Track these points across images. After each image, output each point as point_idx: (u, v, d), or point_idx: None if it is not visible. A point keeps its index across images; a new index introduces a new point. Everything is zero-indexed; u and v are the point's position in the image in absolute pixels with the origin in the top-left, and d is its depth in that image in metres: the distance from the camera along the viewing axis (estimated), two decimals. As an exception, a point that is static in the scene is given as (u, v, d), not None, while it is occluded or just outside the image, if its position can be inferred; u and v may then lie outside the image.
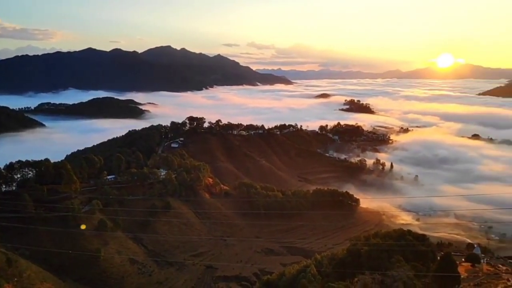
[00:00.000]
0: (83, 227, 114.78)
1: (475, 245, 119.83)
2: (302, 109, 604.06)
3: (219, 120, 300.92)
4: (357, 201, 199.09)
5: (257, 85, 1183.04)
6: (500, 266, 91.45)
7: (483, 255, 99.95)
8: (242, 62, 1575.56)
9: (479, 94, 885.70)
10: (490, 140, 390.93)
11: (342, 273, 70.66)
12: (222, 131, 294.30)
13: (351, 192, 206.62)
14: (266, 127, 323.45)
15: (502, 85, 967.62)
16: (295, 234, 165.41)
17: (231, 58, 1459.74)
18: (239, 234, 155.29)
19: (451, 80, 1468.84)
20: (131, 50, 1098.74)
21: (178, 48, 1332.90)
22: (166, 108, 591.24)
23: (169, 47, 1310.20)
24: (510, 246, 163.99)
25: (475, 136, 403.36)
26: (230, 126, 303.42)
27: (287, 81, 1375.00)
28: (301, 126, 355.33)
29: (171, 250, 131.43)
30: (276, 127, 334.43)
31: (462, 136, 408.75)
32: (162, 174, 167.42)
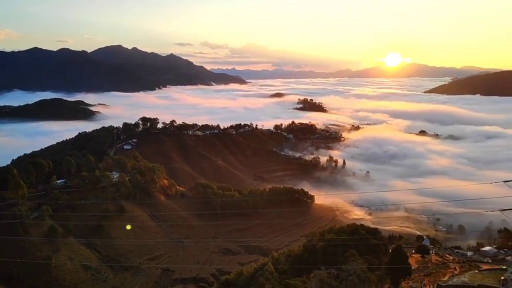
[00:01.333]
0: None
1: (424, 237, 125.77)
2: (257, 108, 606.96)
3: (174, 121, 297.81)
4: (312, 198, 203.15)
5: (212, 84, 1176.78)
6: (448, 256, 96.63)
7: (432, 246, 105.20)
8: (195, 61, 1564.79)
9: (425, 92, 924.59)
10: (436, 136, 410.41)
11: (298, 269, 72.23)
12: (177, 131, 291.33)
13: (306, 189, 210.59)
14: (222, 127, 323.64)
15: (446, 83, 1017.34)
16: (252, 233, 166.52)
17: (184, 58, 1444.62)
18: (196, 235, 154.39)
19: (399, 79, 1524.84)
20: (80, 49, 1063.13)
21: (129, 48, 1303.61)
22: (117, 108, 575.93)
23: (119, 46, 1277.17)
24: (456, 236, 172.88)
25: (422, 132, 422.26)
26: (184, 126, 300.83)
27: (241, 81, 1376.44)
28: (256, 125, 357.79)
29: (126, 254, 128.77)
30: (231, 126, 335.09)
31: (410, 133, 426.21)
32: (115, 177, 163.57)
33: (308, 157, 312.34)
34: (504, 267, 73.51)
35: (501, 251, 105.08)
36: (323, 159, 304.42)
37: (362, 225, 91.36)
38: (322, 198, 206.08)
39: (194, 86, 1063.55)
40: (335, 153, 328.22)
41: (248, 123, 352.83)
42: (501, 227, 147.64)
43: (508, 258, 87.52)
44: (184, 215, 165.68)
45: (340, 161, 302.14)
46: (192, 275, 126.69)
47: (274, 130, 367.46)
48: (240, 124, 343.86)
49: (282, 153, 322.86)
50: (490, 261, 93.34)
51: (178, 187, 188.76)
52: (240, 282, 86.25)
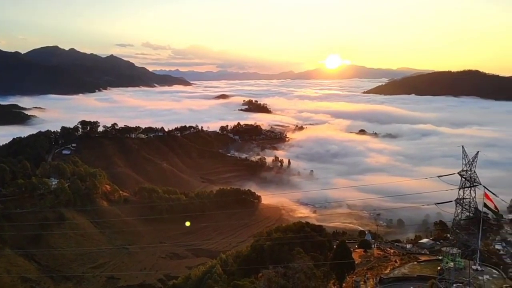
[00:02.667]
0: None
1: (366, 232, 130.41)
2: (202, 110, 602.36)
3: (115, 124, 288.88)
4: (258, 198, 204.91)
5: (155, 86, 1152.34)
6: (389, 249, 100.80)
7: (373, 240, 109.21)
8: (137, 62, 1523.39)
9: (364, 93, 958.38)
10: (375, 134, 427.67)
11: (247, 269, 72.57)
12: (119, 134, 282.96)
13: (253, 190, 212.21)
14: (166, 129, 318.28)
15: (383, 83, 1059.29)
16: (200, 236, 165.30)
17: (125, 59, 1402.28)
18: (141, 241, 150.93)
19: (339, 80, 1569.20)
20: (13, 50, 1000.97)
21: (67, 49, 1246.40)
22: (55, 112, 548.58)
23: (56, 47, 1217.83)
24: (396, 230, 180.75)
25: (362, 132, 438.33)
26: (127, 129, 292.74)
27: (185, 82, 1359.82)
28: (201, 127, 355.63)
29: (67, 263, 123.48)
30: (176, 128, 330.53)
31: (351, 132, 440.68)
32: (54, 183, 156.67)
33: (254, 157, 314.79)
34: (440, 257, 77.74)
35: (437, 242, 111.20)
36: (269, 159, 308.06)
37: (307, 223, 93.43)
38: (268, 198, 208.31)
39: (136, 88, 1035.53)
40: (281, 153, 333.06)
41: (193, 125, 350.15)
42: (436, 220, 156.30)
43: (444, 249, 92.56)
44: (129, 220, 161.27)
45: (285, 161, 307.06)
46: (138, 282, 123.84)
47: (220, 132, 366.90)
48: (185, 126, 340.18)
49: (229, 154, 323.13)
50: (428, 252, 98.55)
51: (121, 192, 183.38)
52: (188, 286, 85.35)
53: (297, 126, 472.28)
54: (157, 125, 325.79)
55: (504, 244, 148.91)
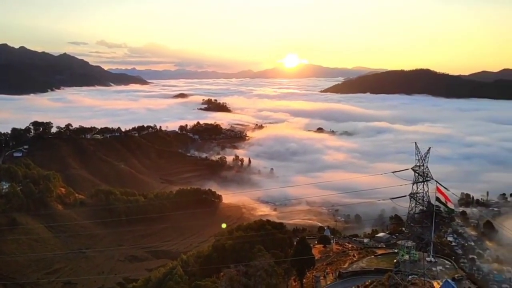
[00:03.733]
0: None
1: (325, 228, 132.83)
2: (160, 109, 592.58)
3: (69, 124, 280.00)
4: (219, 197, 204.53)
5: (111, 85, 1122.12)
6: (347, 244, 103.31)
7: (332, 236, 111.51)
8: (92, 61, 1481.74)
9: (321, 92, 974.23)
10: (332, 132, 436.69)
11: (208, 269, 72.24)
12: (74, 135, 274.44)
13: (213, 189, 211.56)
14: (123, 129, 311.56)
15: (339, 82, 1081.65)
16: (159, 237, 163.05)
17: (79, 57, 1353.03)
18: (99, 244, 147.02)
19: (297, 79, 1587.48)
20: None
21: (16, 47, 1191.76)
22: (4, 113, 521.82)
23: (5, 45, 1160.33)
24: (354, 225, 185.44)
25: (320, 130, 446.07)
26: (82, 130, 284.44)
27: (142, 81, 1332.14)
28: (160, 126, 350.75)
29: (21, 270, 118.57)
30: (134, 128, 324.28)
31: (309, 130, 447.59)
32: (5, 187, 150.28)
33: (215, 157, 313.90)
34: (396, 250, 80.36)
35: (393, 236, 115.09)
36: (229, 159, 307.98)
37: (268, 221, 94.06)
38: (229, 197, 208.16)
39: (91, 87, 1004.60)
40: (241, 152, 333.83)
41: (152, 124, 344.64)
42: (392, 214, 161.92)
43: (399, 242, 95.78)
44: (85, 224, 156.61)
45: (246, 160, 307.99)
46: (96, 286, 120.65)
47: (179, 131, 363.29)
48: (143, 126, 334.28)
49: (188, 154, 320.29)
50: (384, 246, 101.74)
51: (77, 195, 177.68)
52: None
53: (256, 125, 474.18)
54: (113, 125, 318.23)
55: (455, 236, 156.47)
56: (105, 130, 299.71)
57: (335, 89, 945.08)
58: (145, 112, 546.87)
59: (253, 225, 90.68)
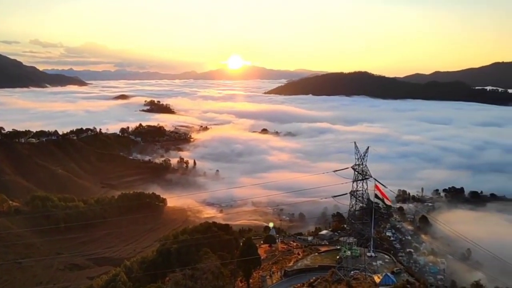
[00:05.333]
0: None
1: (271, 227, 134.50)
2: (100, 111, 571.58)
3: (1, 128, 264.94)
4: (164, 201, 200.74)
5: (46, 87, 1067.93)
6: (292, 242, 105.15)
7: (277, 235, 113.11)
8: (25, 61, 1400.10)
9: (265, 93, 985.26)
10: (276, 133, 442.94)
11: (153, 275, 70.78)
12: (6, 139, 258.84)
13: (157, 193, 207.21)
14: (61, 132, 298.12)
15: (282, 84, 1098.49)
16: (101, 244, 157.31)
17: (11, 57, 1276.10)
18: (36, 253, 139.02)
19: (241, 81, 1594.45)
20: None
21: None
22: None
23: None
24: (298, 224, 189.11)
25: (264, 131, 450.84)
26: (16, 133, 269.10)
27: (81, 82, 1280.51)
28: (100, 129, 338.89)
29: None
30: (72, 131, 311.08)
31: (254, 131, 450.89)
32: None
33: (158, 159, 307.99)
34: (338, 247, 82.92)
35: (335, 233, 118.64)
36: (174, 161, 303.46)
37: (214, 223, 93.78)
38: (174, 200, 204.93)
39: (25, 89, 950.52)
40: (186, 154, 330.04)
41: (91, 127, 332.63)
42: (334, 212, 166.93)
43: (341, 239, 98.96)
44: (21, 232, 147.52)
45: (191, 162, 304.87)
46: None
47: (120, 134, 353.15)
48: (82, 129, 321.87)
49: (131, 157, 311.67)
50: (327, 243, 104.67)
51: (11, 202, 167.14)
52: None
53: (201, 126, 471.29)
54: (50, 128, 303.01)
55: (393, 231, 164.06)
56: (40, 134, 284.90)
57: (278, 91, 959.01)
58: (84, 114, 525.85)
59: (199, 227, 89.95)
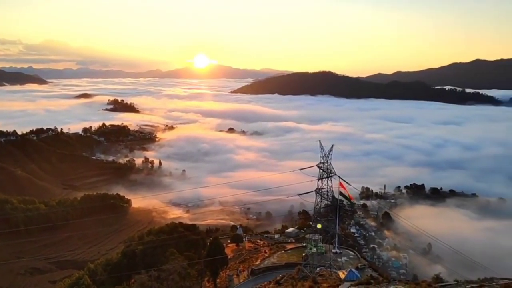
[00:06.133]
0: None
1: (238, 226, 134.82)
2: (61, 110, 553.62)
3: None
4: (128, 202, 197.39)
5: (4, 85, 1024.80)
6: (259, 241, 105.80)
7: (245, 234, 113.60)
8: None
9: (231, 92, 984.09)
10: (243, 132, 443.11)
11: (118, 277, 69.65)
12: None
13: (121, 194, 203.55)
14: (20, 133, 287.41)
15: (249, 83, 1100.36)
16: (64, 247, 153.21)
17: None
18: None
19: (207, 80, 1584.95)
20: None
21: None
22: None
23: None
24: (265, 222, 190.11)
25: (231, 130, 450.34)
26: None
27: (41, 81, 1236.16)
28: (61, 129, 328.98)
29: None
30: (32, 131, 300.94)
31: (220, 130, 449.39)
32: None
33: (123, 160, 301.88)
34: (304, 244, 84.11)
35: (301, 230, 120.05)
36: (139, 161, 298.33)
37: (180, 223, 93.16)
38: (139, 201, 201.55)
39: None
40: (151, 154, 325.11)
41: (52, 127, 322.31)
42: (300, 210, 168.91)
43: (307, 236, 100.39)
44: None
45: (156, 162, 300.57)
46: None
47: (83, 134, 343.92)
48: (42, 129, 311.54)
49: (94, 157, 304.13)
50: (294, 240, 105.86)
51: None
52: (52, 303, 78.60)
53: (167, 125, 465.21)
54: (8, 128, 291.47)
55: (357, 227, 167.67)
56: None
57: (244, 90, 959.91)
58: (44, 114, 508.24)
59: (165, 228, 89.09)
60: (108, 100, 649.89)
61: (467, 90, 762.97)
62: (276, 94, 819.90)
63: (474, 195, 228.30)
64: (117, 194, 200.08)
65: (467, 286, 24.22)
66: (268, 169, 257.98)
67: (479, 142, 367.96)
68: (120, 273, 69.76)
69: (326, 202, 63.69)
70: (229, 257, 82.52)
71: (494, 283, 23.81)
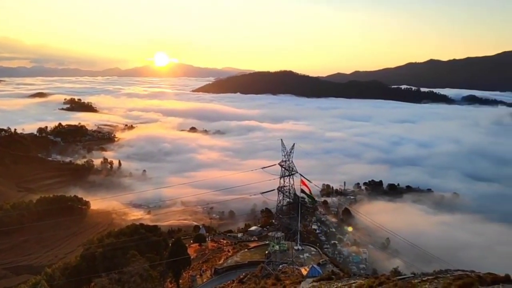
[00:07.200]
0: None
1: (200, 226, 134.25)
2: (15, 110, 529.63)
3: None
4: (87, 204, 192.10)
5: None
6: (222, 240, 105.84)
7: (207, 234, 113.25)
8: None
9: (193, 91, 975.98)
10: (205, 131, 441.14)
11: (77, 281, 67.84)
12: None
13: (80, 196, 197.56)
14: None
15: (210, 82, 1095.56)
16: (19, 251, 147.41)
17: None
18: None
19: (168, 78, 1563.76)
20: None
21: None
22: None
23: None
24: (228, 221, 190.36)
25: (193, 129, 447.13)
26: None
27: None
28: (15, 129, 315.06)
29: None
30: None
31: (182, 130, 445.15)
32: None
33: (80, 160, 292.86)
34: (267, 242, 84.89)
35: (264, 228, 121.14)
36: (97, 162, 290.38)
37: (141, 224, 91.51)
38: (98, 203, 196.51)
39: None
40: (110, 154, 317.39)
41: (5, 127, 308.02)
42: (263, 208, 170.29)
43: (270, 234, 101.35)
44: None
45: (116, 162, 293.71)
46: None
47: (38, 134, 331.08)
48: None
49: (50, 158, 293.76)
50: (257, 239, 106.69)
51: None
52: (7, 310, 75.59)
53: (126, 125, 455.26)
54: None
55: (319, 224, 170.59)
56: None
57: (206, 89, 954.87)
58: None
59: (125, 230, 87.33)
60: (65, 99, 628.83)
61: (422, 89, 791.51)
62: (238, 93, 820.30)
63: (429, 190, 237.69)
64: (75, 196, 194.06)
65: (423, 279, 25.16)
66: (231, 168, 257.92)
67: (433, 140, 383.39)
68: (79, 277, 67.97)
69: (288, 200, 64.63)
70: (191, 257, 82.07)
71: (448, 275, 24.85)
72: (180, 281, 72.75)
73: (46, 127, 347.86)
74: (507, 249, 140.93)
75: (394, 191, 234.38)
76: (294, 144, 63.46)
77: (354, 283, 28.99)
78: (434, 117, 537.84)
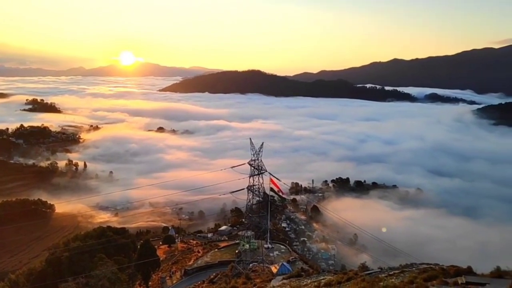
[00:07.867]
0: None
1: (170, 228, 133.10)
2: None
3: None
4: (51, 207, 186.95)
5: None
6: (192, 241, 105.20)
7: (177, 235, 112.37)
8: None
9: (160, 91, 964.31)
10: (173, 131, 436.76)
11: (43, 286, 66.06)
12: None
13: (44, 199, 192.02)
14: None
15: (178, 82, 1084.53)
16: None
17: None
18: None
19: (134, 78, 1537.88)
20: None
21: None
22: None
23: None
24: (198, 222, 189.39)
25: (161, 129, 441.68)
26: None
27: None
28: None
29: None
30: None
31: (150, 130, 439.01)
32: None
33: (44, 163, 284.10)
34: (237, 241, 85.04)
35: (234, 228, 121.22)
36: (61, 164, 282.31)
37: (109, 227, 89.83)
38: (63, 205, 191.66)
39: None
40: (75, 156, 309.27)
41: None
42: (233, 207, 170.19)
43: (240, 233, 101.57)
44: None
45: (81, 164, 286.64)
46: None
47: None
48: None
49: (12, 161, 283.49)
50: (227, 238, 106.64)
51: None
52: (-32, 319, 72.61)
53: (92, 126, 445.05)
54: None
55: (288, 222, 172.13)
56: None
57: (173, 88, 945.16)
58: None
59: (92, 233, 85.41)
60: (27, 100, 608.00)
61: (387, 88, 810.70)
62: (206, 93, 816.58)
63: (394, 186, 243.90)
64: (38, 199, 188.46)
65: (390, 273, 25.91)
66: (200, 168, 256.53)
67: (398, 137, 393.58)
68: (44, 282, 66.14)
69: (258, 198, 65.08)
70: (161, 259, 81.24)
71: (414, 268, 25.71)
72: (150, 283, 71.98)
73: (7, 128, 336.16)
74: (468, 242, 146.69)
75: (360, 188, 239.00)
76: (263, 143, 63.96)
77: (323, 279, 29.56)
78: (398, 115, 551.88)
